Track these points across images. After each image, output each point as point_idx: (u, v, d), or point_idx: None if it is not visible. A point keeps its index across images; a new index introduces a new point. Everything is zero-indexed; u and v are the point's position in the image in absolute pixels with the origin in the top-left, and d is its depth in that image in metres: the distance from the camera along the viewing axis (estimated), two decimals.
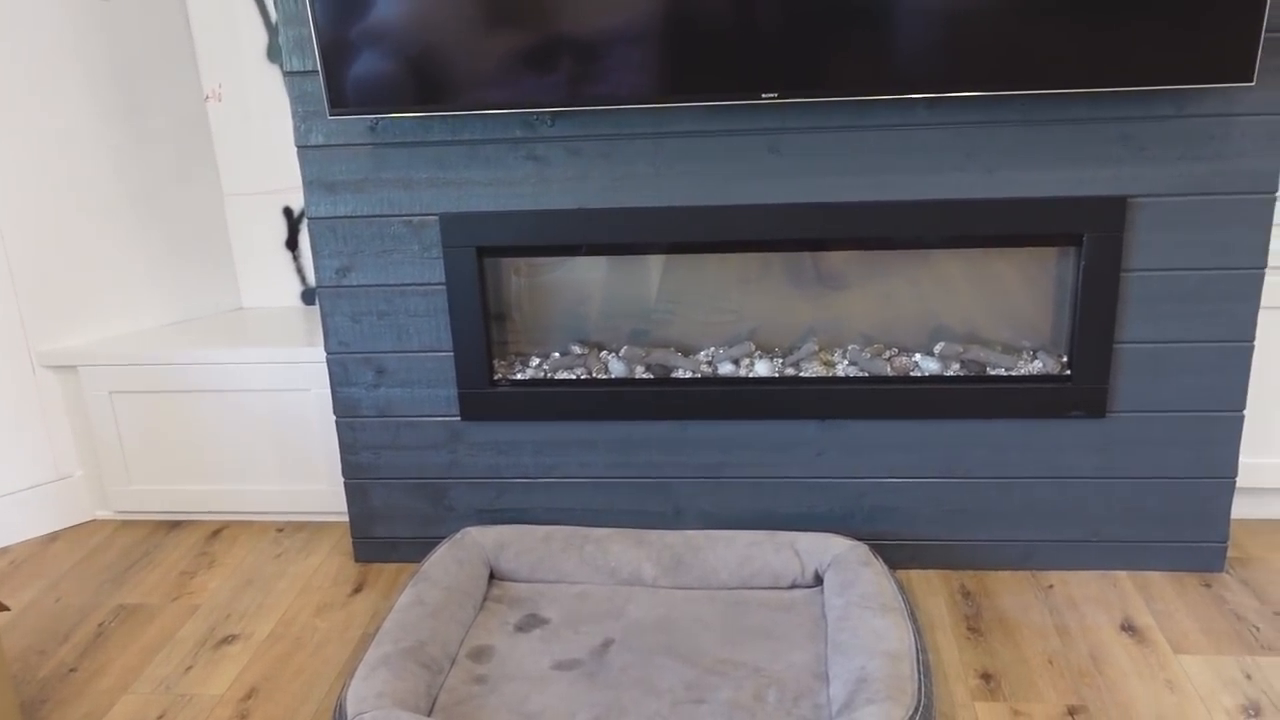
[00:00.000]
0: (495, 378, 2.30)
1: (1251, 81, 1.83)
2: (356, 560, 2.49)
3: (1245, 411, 2.22)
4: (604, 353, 2.34)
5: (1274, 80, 1.92)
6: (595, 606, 2.17)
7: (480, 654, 2.03)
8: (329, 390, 2.49)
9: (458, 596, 2.13)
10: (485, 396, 2.29)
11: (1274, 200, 1.99)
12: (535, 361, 2.35)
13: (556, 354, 2.35)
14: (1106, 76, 1.87)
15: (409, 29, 1.95)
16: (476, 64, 1.96)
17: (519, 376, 2.31)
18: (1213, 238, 2.04)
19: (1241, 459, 2.38)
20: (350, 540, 2.54)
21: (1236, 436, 2.17)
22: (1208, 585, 2.23)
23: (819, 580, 2.19)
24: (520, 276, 2.32)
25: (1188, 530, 2.24)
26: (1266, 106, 1.93)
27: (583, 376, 2.31)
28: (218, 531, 2.68)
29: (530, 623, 2.13)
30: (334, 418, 2.42)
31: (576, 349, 2.35)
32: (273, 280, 2.89)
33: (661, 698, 1.87)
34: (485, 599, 2.22)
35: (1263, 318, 2.27)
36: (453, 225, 2.17)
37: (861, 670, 1.81)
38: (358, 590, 2.38)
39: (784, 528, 2.34)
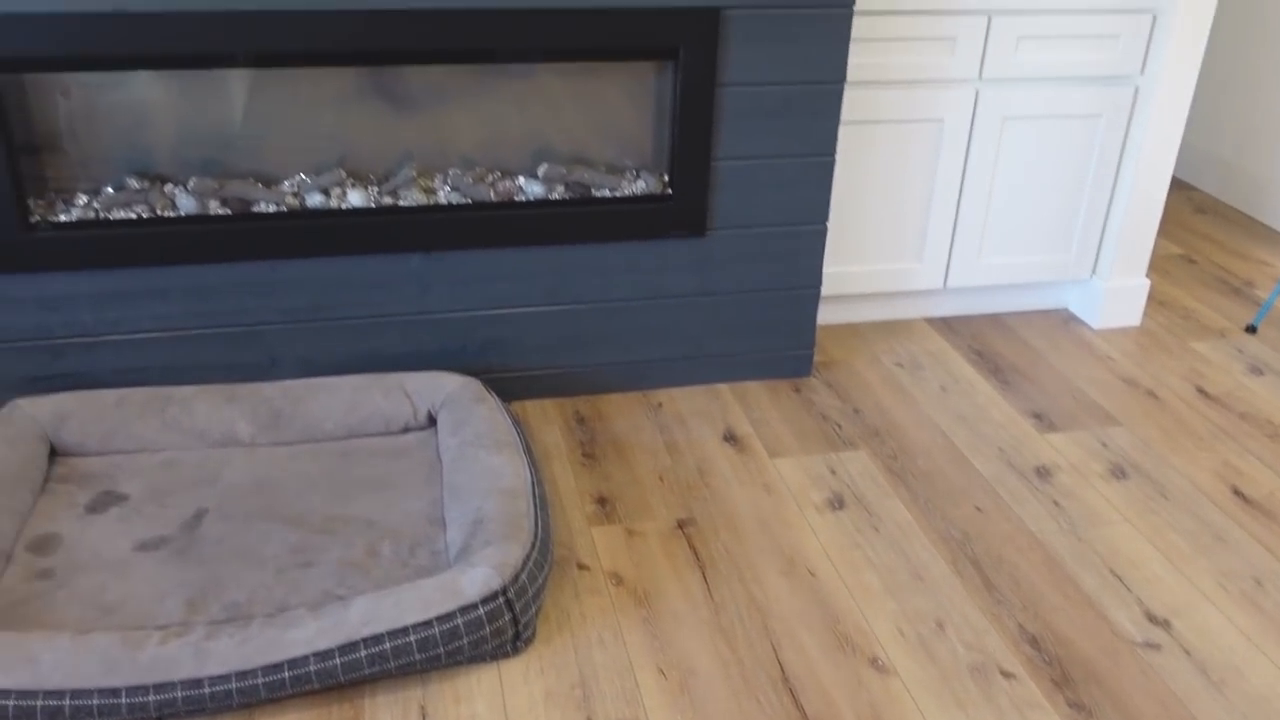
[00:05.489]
0: (32, 221, 1.93)
1: None
2: None
3: (828, 224, 2.33)
4: (169, 186, 2.03)
5: None
6: (184, 475, 1.95)
7: (43, 544, 1.76)
8: None
9: (8, 483, 1.82)
10: (21, 244, 1.92)
11: (851, 13, 2.04)
12: (83, 200, 1.99)
13: (109, 189, 2.01)
14: None
15: None
16: None
17: (64, 219, 1.95)
18: (799, 51, 2.07)
19: (826, 269, 2.52)
20: None
21: (820, 248, 2.29)
22: (798, 390, 2.38)
23: (433, 421, 2.10)
24: (62, 97, 1.93)
25: (780, 340, 2.36)
26: None
27: (145, 215, 1.99)
28: None
29: (105, 501, 1.87)
30: None
31: (134, 183, 2.01)
32: None
33: (265, 566, 1.72)
34: (47, 480, 1.92)
35: (843, 132, 2.37)
36: None
37: (478, 511, 1.75)
38: None
39: (393, 369, 2.20)
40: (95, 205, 1.98)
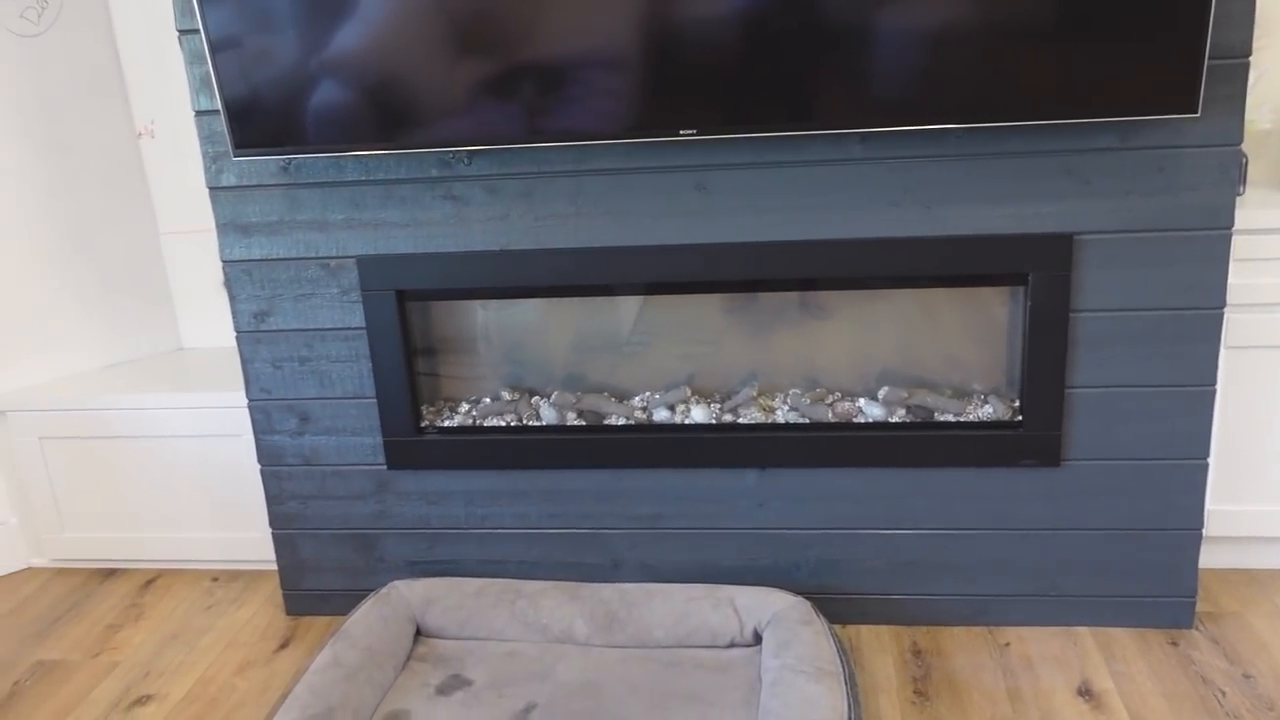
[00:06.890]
0: (422, 425, 2.20)
1: (1196, 113, 1.72)
2: (287, 613, 2.40)
3: (1210, 459, 2.09)
4: (535, 398, 2.24)
5: (1221, 109, 1.80)
6: (523, 667, 2.06)
7: (400, 719, 1.93)
8: None
9: (378, 657, 2.03)
10: (412, 445, 2.19)
11: (1229, 236, 1.87)
12: (464, 408, 2.25)
13: (487, 399, 2.25)
14: (1047, 108, 1.76)
15: (314, 67, 1.86)
16: (388, 102, 1.87)
17: (447, 424, 2.22)
18: (1166, 276, 1.92)
19: (1211, 505, 2.24)
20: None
21: (1201, 485, 2.05)
22: (1174, 643, 2.10)
23: (759, 639, 2.08)
24: (448, 319, 2.22)
25: (1153, 584, 2.11)
26: (1214, 138, 1.82)
27: (512, 424, 2.21)
28: (152, 581, 2.59)
29: (452, 684, 2.02)
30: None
31: (506, 394, 2.25)
32: (214, 320, 2.81)
33: None
34: (409, 658, 2.11)
35: (1227, 357, 2.14)
36: (371, 268, 2.08)
37: None
38: (284, 646, 2.28)
39: (726, 580, 2.22)
40: (474, 413, 2.23)
